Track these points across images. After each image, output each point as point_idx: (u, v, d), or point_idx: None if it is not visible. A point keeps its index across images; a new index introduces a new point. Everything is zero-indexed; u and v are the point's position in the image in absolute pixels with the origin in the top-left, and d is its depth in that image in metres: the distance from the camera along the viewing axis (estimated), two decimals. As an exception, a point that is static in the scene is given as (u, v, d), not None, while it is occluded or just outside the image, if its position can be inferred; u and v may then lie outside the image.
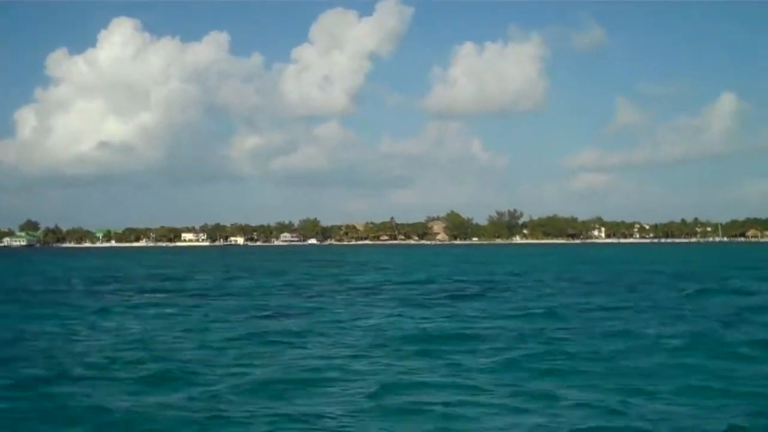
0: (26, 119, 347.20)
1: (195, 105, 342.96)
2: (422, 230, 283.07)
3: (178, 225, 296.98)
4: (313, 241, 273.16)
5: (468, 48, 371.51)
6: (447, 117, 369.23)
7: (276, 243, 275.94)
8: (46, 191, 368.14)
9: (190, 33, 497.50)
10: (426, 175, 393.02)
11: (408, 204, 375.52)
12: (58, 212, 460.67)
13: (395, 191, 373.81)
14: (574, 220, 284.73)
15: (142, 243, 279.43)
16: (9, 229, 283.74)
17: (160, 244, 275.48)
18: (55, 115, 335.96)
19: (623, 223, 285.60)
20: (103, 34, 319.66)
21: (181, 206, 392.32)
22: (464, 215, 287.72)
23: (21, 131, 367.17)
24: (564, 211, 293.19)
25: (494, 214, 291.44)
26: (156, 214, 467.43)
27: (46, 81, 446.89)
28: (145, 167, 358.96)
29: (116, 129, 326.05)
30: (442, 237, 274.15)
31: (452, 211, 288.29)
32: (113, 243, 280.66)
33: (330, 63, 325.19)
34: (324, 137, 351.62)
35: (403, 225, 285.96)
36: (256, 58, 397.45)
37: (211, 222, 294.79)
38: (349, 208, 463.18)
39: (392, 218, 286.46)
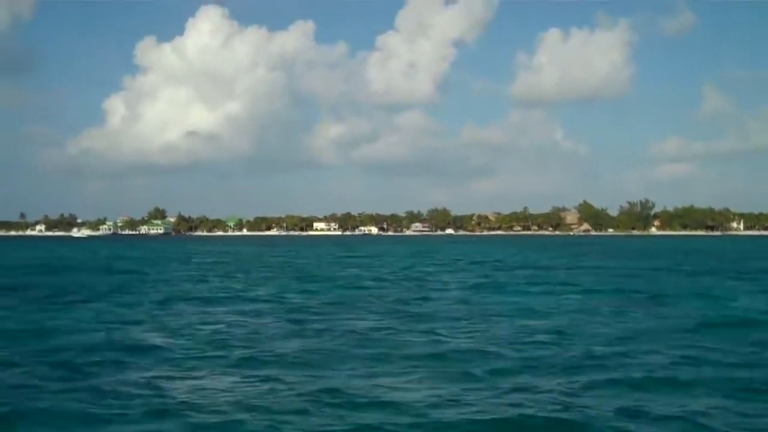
0: (115, 108, 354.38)
1: (281, 93, 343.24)
2: (555, 221, 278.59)
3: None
4: (450, 231, 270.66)
5: (554, 34, 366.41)
6: (531, 104, 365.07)
7: (407, 233, 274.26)
8: (134, 180, 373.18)
9: (277, 21, 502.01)
10: (508, 164, 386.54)
11: (489, 192, 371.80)
12: (148, 199, 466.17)
13: (477, 180, 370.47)
14: (711, 210, 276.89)
15: (274, 232, 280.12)
16: (143, 218, 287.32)
17: (292, 233, 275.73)
18: (144, 103, 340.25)
19: (762, 214, 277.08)
20: (190, 23, 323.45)
21: (266, 195, 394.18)
22: (597, 205, 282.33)
23: (110, 119, 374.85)
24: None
25: (625, 205, 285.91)
26: (240, 203, 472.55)
27: (134, 69, 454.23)
28: (231, 156, 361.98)
29: (203, 118, 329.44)
30: (585, 228, 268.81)
31: (584, 201, 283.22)
32: (245, 231, 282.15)
33: (415, 50, 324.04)
34: (407, 125, 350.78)
35: (534, 215, 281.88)
36: (341, 46, 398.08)
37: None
38: (431, 198, 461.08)
39: (525, 208, 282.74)
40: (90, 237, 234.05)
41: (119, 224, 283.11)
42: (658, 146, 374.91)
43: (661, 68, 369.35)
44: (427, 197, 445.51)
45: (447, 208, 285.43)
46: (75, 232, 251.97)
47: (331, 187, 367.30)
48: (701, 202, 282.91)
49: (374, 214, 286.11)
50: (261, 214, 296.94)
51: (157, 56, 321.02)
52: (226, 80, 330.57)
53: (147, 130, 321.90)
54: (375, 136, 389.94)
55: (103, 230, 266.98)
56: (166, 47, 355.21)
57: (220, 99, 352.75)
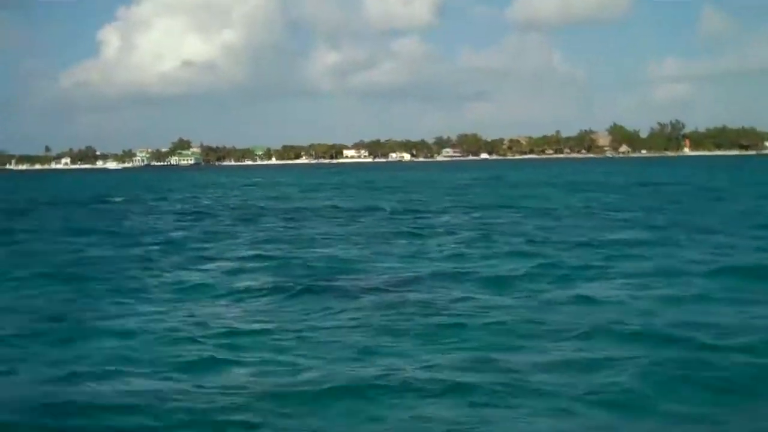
0: (109, 38, 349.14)
1: (276, 21, 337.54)
2: (588, 143, 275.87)
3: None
4: (485, 155, 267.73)
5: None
6: (529, 28, 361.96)
7: (439, 159, 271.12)
8: (134, 110, 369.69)
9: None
10: (504, 89, 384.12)
11: (486, 118, 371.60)
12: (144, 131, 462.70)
13: (474, 105, 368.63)
14: (746, 130, 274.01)
15: (303, 160, 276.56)
16: (169, 149, 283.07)
17: (322, 161, 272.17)
18: (138, 34, 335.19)
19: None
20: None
21: (261, 123, 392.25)
22: (629, 127, 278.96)
23: (105, 50, 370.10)
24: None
25: (656, 126, 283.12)
26: (236, 132, 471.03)
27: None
28: (229, 86, 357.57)
29: (198, 47, 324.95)
30: (624, 149, 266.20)
31: (615, 124, 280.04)
32: (274, 161, 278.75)
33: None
34: (404, 52, 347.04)
35: (566, 139, 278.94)
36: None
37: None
38: (425, 123, 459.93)
39: (557, 132, 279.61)
40: (125, 169, 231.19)
41: (145, 156, 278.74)
42: (658, 67, 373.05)
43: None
44: (423, 123, 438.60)
45: (477, 133, 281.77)
46: (108, 165, 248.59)
47: (327, 115, 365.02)
48: (722, 122, 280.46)
49: (404, 141, 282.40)
50: (286, 143, 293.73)
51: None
52: (221, 9, 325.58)
53: (141, 61, 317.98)
54: (371, 62, 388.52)
55: (136, 162, 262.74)
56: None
57: (215, 28, 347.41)
